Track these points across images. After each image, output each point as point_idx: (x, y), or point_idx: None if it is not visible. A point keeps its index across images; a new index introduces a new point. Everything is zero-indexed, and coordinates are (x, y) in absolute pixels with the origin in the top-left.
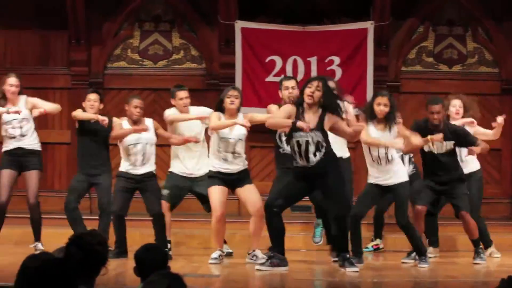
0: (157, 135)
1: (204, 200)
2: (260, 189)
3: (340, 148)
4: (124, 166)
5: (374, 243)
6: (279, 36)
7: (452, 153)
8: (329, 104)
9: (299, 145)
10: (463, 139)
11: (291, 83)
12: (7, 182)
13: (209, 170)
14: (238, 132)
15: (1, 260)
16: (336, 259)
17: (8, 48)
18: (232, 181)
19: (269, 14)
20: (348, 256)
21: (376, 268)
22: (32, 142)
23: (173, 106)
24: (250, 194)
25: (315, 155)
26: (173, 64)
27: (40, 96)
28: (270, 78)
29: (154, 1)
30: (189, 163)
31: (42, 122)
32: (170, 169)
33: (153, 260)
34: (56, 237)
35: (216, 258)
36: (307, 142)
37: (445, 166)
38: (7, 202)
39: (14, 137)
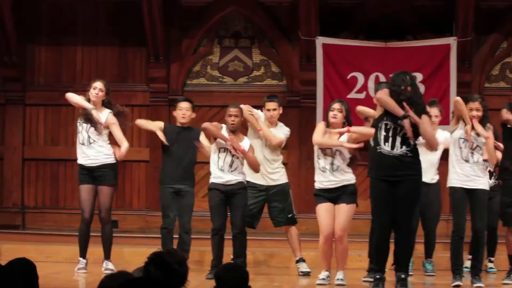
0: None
1: None
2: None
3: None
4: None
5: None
6: (361, 52)
7: None
8: (415, 98)
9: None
10: None
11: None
12: (87, 196)
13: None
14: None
15: (54, 278)
16: (367, 279)
17: (86, 65)
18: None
19: (351, 30)
20: (403, 276)
21: None
22: (106, 153)
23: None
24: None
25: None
26: (254, 81)
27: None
28: (352, 95)
29: (234, 17)
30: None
31: None
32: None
33: (234, 280)
34: (135, 256)
35: (324, 279)
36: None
37: None
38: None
39: (83, 144)
